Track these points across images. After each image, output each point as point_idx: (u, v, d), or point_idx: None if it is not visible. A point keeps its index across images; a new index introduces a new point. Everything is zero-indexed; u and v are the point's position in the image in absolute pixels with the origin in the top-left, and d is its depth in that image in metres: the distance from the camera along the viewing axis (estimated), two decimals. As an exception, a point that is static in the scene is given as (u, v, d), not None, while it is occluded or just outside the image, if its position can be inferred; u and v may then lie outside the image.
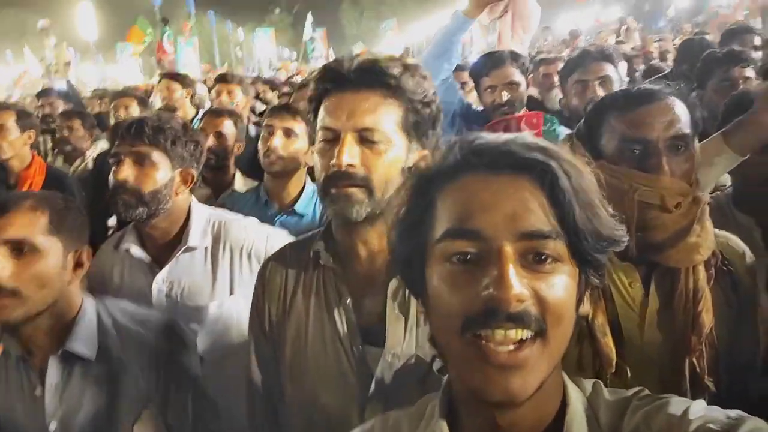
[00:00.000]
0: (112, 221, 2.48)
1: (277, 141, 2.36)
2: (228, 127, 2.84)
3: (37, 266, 1.35)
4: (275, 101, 6.14)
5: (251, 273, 1.71)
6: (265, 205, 2.44)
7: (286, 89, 7.35)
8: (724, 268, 1.33)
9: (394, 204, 0.87)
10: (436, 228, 0.76)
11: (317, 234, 1.31)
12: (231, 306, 1.77)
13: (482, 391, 0.70)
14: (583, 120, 1.44)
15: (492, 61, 2.82)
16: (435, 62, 2.59)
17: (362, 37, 33.39)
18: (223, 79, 4.22)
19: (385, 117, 1.15)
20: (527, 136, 0.78)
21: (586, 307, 0.79)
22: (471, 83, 3.44)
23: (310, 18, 21.57)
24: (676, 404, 0.75)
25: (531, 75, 3.93)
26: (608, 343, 1.26)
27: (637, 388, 0.80)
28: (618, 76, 2.72)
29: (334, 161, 1.13)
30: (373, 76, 1.16)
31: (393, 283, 1.20)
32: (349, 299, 1.23)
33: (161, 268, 1.81)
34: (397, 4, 39.89)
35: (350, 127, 1.14)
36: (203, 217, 1.87)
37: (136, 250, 1.83)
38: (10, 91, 14.20)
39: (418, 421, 0.85)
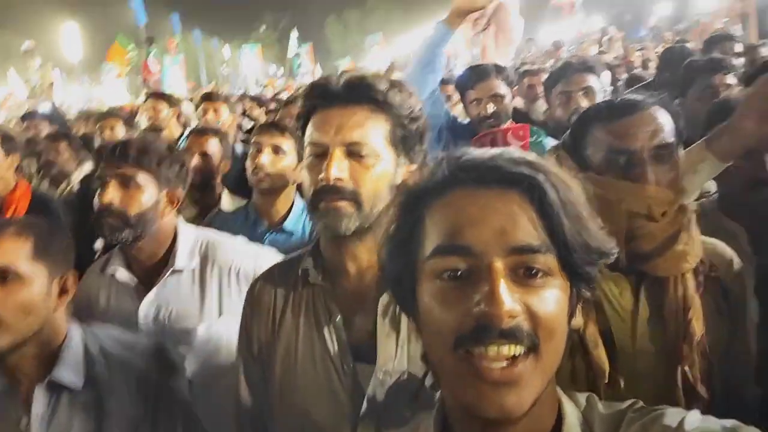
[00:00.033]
0: (98, 244, 2.45)
1: (265, 158, 2.35)
2: (213, 146, 2.83)
3: (21, 294, 1.33)
4: (262, 118, 6.13)
5: (240, 294, 1.69)
6: (254, 223, 2.43)
7: (273, 105, 7.36)
8: (713, 275, 1.34)
9: (384, 221, 0.87)
10: (425, 245, 0.76)
11: (306, 252, 1.31)
12: (220, 328, 1.75)
13: (477, 408, 0.70)
14: (568, 131, 1.45)
15: (477, 74, 2.84)
16: (420, 73, 2.61)
17: (348, 52, 33.55)
18: (208, 97, 4.21)
19: (373, 131, 1.16)
20: (514, 150, 0.78)
21: (579, 321, 0.79)
22: (457, 96, 3.46)
23: (295, 34, 21.65)
24: (671, 415, 0.75)
25: (516, 86, 3.97)
26: (600, 354, 1.26)
27: (631, 401, 0.80)
28: (601, 86, 2.78)
29: (322, 175, 1.13)
30: (360, 92, 1.18)
31: (383, 299, 1.19)
32: (339, 317, 1.22)
33: (148, 291, 1.79)
34: (382, 19, 40.26)
35: (338, 142, 1.14)
36: (190, 238, 1.85)
37: (123, 274, 1.81)
38: (-5, 114, 14.11)
39: None
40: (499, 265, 0.70)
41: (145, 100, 4.33)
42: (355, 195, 1.15)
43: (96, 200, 1.73)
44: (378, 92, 1.17)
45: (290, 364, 1.25)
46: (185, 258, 1.81)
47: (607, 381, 1.26)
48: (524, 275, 0.71)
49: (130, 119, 4.37)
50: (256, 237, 2.28)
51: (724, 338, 1.34)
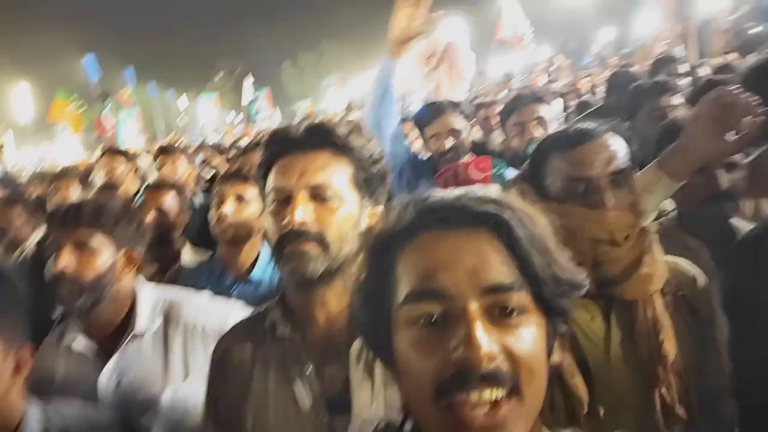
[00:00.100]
0: (57, 311, 2.36)
1: (229, 207, 2.32)
2: (169, 200, 2.78)
3: None
4: (223, 166, 6.09)
5: (206, 354, 1.62)
6: (221, 276, 2.37)
7: (233, 153, 7.33)
8: (679, 294, 1.36)
9: (352, 267, 0.85)
10: (398, 291, 0.75)
11: (272, 304, 1.28)
12: (187, 391, 1.68)
13: None
14: (527, 162, 1.48)
15: (433, 110, 2.90)
16: (378, 108, 2.69)
17: (305, 95, 33.92)
18: (165, 150, 4.17)
19: (336, 174, 1.17)
20: (478, 189, 0.79)
21: (557, 357, 0.78)
22: (415, 133, 3.51)
23: (249, 80, 21.80)
24: None
25: (473, 120, 4.06)
26: (578, 383, 1.25)
27: None
28: (552, 114, 2.89)
29: (287, 220, 1.13)
30: (321, 137, 1.19)
31: (355, 346, 1.16)
32: (311, 368, 1.19)
33: (109, 359, 1.71)
34: (337, 60, 40.93)
35: (302, 186, 1.15)
36: (151, 297, 1.79)
37: (80, 343, 1.73)
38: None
39: None
40: (473, 306, 0.69)
41: (101, 157, 4.25)
42: (321, 237, 1.14)
43: (49, 267, 1.66)
44: (339, 137, 1.19)
45: (261, 424, 1.21)
46: (146, 320, 1.74)
47: (586, 410, 1.25)
48: (499, 315, 0.70)
49: (85, 178, 4.27)
50: (222, 290, 2.23)
51: (697, 356, 1.35)
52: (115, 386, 1.68)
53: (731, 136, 1.44)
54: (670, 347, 1.28)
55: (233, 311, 1.75)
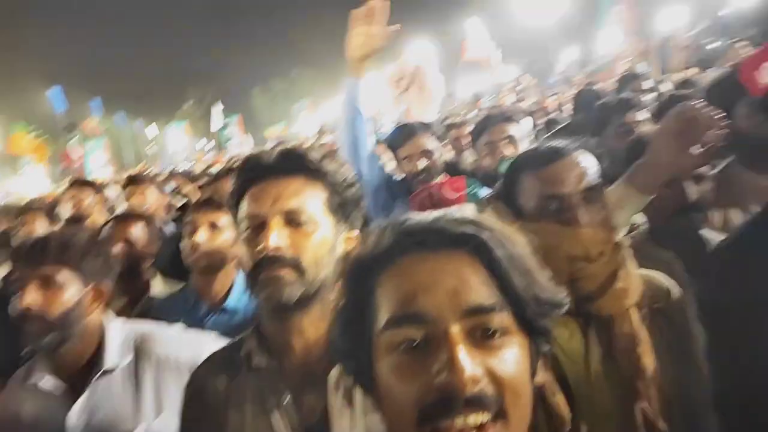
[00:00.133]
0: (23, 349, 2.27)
1: (201, 236, 2.29)
2: (137, 231, 2.72)
3: None
4: (194, 193, 6.03)
5: (179, 388, 1.58)
6: (194, 306, 2.33)
7: (204, 180, 7.26)
8: (655, 307, 1.37)
9: (330, 294, 0.84)
10: (378, 317, 0.74)
11: (248, 334, 1.25)
12: (160, 428, 1.62)
13: None
14: (500, 182, 1.48)
15: (404, 132, 2.92)
16: (350, 130, 2.71)
17: (277, 120, 33.93)
18: (133, 180, 4.10)
19: (311, 199, 1.17)
20: (456, 210, 0.79)
21: (541, 378, 0.77)
22: (387, 155, 3.52)
23: (218, 107, 21.76)
24: None
25: (446, 140, 4.10)
26: (560, 402, 1.24)
27: None
28: (522, 133, 2.93)
29: (261, 246, 1.12)
30: (294, 163, 1.18)
31: (333, 373, 1.14)
32: (288, 397, 1.17)
33: (78, 397, 1.65)
34: (308, 85, 41.11)
35: (276, 211, 1.14)
36: (121, 332, 1.74)
37: (48, 382, 1.67)
38: None
39: None
40: (455, 329, 0.68)
41: (67, 189, 4.16)
42: (297, 262, 1.13)
43: (14, 305, 1.60)
44: (312, 161, 1.19)
45: None
46: (116, 355, 1.69)
47: (569, 428, 1.24)
48: (482, 337, 0.69)
49: (51, 210, 4.16)
50: (196, 320, 2.19)
51: (675, 368, 1.35)
52: (84, 425, 1.62)
53: (696, 150, 1.47)
54: (648, 361, 1.28)
55: (207, 343, 1.71)
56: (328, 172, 1.19)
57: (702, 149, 1.47)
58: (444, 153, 3.32)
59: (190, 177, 8.06)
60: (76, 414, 1.63)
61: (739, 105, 2.01)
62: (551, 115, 6.52)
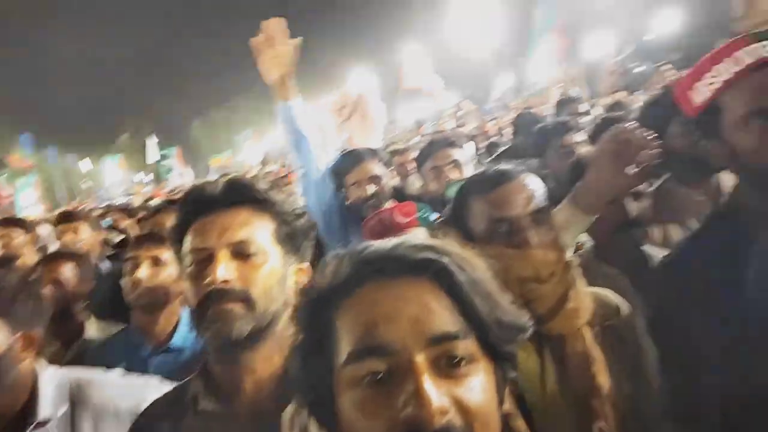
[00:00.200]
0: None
1: (143, 272, 2.20)
2: (68, 271, 2.60)
3: None
4: (132, 228, 5.81)
5: (121, 437, 1.49)
6: (137, 346, 2.22)
7: (142, 214, 7.02)
8: (606, 324, 1.39)
9: (285, 329, 0.80)
10: (339, 351, 0.71)
11: (194, 376, 1.19)
12: None
13: None
14: (449, 206, 1.49)
15: (351, 158, 2.92)
16: (298, 154, 2.74)
17: (218, 150, 33.42)
18: (65, 217, 3.93)
19: (259, 230, 1.14)
20: (413, 237, 0.78)
21: (509, 405, 0.76)
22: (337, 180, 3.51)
23: (153, 140, 21.30)
24: None
25: (391, 167, 4.12)
26: (521, 426, 1.23)
27: None
28: (466, 157, 2.98)
29: (209, 279, 1.07)
30: (241, 194, 1.16)
31: (288, 411, 1.09)
32: None
33: None
34: (251, 114, 40.65)
35: (223, 243, 1.11)
36: (55, 380, 1.62)
37: (-26, 441, 1.54)
38: None
39: None
40: (420, 359, 0.66)
41: (-4, 227, 3.93)
42: (246, 295, 1.09)
43: None
44: (259, 192, 1.16)
45: None
46: (50, 406, 1.57)
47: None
48: (447, 366, 0.68)
49: (-23, 252, 3.91)
50: (139, 362, 2.10)
51: (628, 384, 1.37)
52: None
53: (632, 170, 1.52)
54: (603, 379, 1.30)
55: (149, 387, 1.61)
56: (276, 203, 1.17)
57: (637, 169, 1.52)
58: (390, 179, 3.34)
59: (127, 211, 7.78)
60: None
61: (672, 124, 2.10)
62: (492, 139, 6.69)
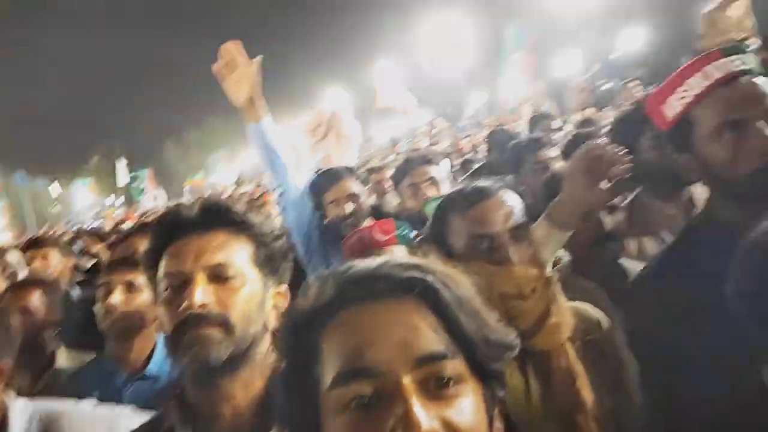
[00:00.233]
0: None
1: (117, 297, 2.14)
2: (35, 299, 2.52)
3: None
4: (104, 252, 5.69)
5: (95, 471, 1.44)
6: (111, 375, 2.15)
7: (114, 237, 6.89)
8: (588, 338, 1.39)
9: (265, 354, 0.78)
10: (324, 375, 0.69)
11: (170, 406, 1.15)
12: None
13: None
14: (429, 223, 1.49)
15: (329, 177, 2.91)
16: (273, 173, 2.73)
17: (192, 171, 33.12)
18: (34, 243, 3.83)
19: (237, 253, 1.12)
20: (397, 256, 0.77)
21: (499, 425, 0.74)
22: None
23: (122, 162, 21.05)
24: None
25: (368, 185, 4.13)
26: (506, 444, 1.22)
27: None
28: (442, 174, 3.01)
29: (185, 304, 1.04)
30: (217, 217, 1.13)
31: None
32: None
33: None
34: (224, 135, 40.42)
35: (200, 267, 1.08)
36: (25, 413, 1.56)
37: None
38: None
39: None
40: (407, 381, 0.65)
41: (-39, 257, 3.81)
42: (225, 319, 1.06)
43: None
44: (236, 214, 1.14)
45: None
46: None
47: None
48: (435, 387, 0.66)
49: (-58, 281, 3.79)
50: (113, 390, 2.03)
51: (610, 398, 1.37)
52: None
53: (605, 185, 1.54)
54: (587, 394, 1.30)
55: (122, 418, 1.56)
56: (253, 225, 1.15)
57: (610, 184, 1.54)
58: (367, 197, 3.34)
59: (99, 235, 7.62)
60: None
61: (644, 139, 2.14)
62: (467, 156, 6.75)
